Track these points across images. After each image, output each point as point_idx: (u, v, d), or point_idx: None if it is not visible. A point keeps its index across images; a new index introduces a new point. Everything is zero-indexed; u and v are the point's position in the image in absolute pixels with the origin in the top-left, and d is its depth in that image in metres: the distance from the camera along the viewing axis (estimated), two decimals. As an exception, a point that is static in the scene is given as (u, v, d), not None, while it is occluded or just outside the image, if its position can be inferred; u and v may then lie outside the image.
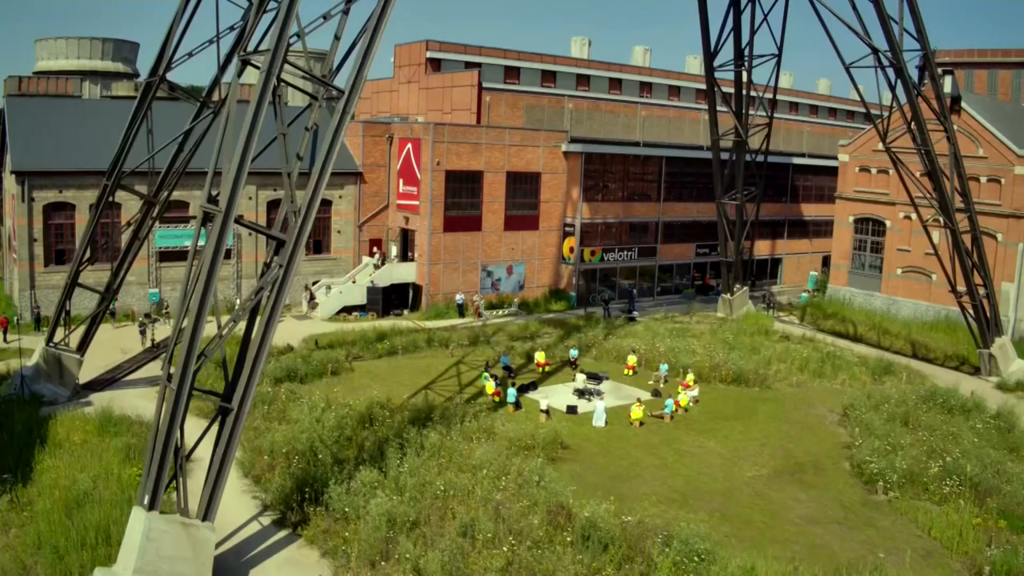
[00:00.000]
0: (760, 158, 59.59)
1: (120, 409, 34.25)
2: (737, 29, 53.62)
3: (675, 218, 70.07)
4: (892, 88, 45.03)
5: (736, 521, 28.43)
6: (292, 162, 23.93)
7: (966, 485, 30.89)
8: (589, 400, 40.57)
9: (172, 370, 22.31)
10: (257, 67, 25.14)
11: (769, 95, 57.10)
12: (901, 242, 61.32)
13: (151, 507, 20.84)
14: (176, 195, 41.67)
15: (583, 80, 78.82)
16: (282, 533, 25.61)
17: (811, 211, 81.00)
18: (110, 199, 36.05)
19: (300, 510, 26.05)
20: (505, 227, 62.17)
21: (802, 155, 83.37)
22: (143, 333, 45.32)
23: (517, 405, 38.76)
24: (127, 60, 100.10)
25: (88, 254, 36.65)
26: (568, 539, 24.68)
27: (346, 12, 26.66)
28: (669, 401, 39.19)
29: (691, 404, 40.46)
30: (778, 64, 55.13)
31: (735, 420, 39.23)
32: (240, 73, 36.38)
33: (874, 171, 62.93)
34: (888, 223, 62.10)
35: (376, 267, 60.02)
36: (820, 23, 44.60)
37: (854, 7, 43.52)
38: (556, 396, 40.54)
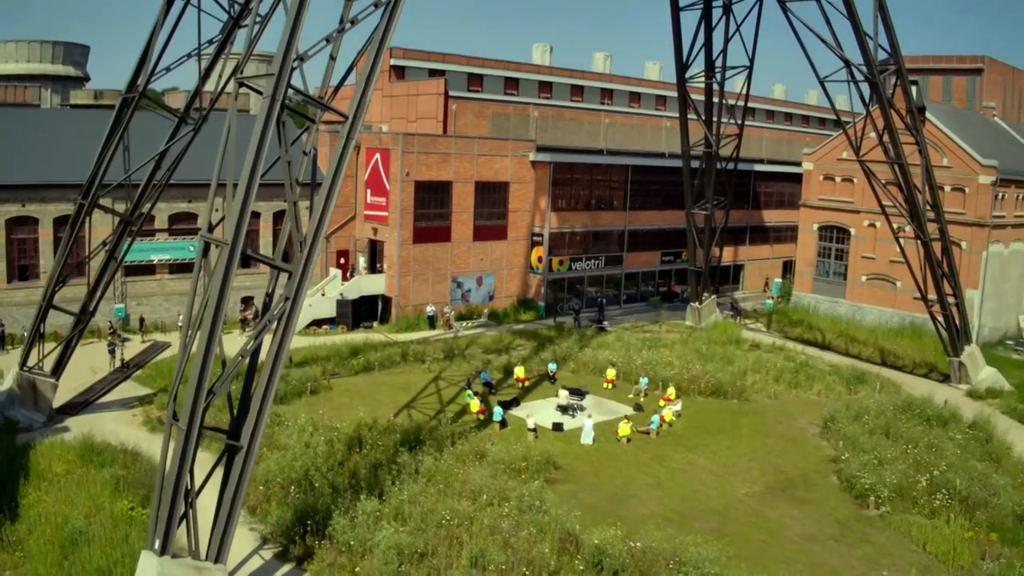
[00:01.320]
0: (728, 166, 60.02)
1: (100, 435, 33.19)
2: (708, 42, 53.92)
3: (640, 226, 70.36)
4: (864, 102, 45.68)
5: (737, 540, 28.48)
6: (295, 189, 23.34)
7: (955, 499, 31.38)
8: (573, 416, 40.43)
9: (176, 407, 21.66)
10: (255, 89, 24.60)
11: (738, 105, 57.50)
12: (865, 249, 62.29)
13: (162, 552, 20.12)
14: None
15: (545, 87, 78.72)
16: (286, 567, 24.98)
17: (772, 217, 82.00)
18: (87, 218, 34.93)
19: (303, 543, 25.45)
20: (474, 237, 61.80)
21: (761, 161, 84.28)
22: (112, 353, 44.06)
23: (503, 423, 38.46)
24: (78, 64, 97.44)
25: (58, 275, 35.40)
26: (579, 567, 24.53)
27: (341, 31, 26.15)
28: (655, 417, 39.21)
29: (675, 418, 40.53)
30: (749, 75, 55.58)
31: (720, 435, 39.38)
32: (228, 89, 35.66)
33: (838, 179, 63.86)
34: (852, 231, 63.04)
35: (352, 274, 59.36)
36: (795, 37, 45.07)
37: (827, 21, 44.08)
38: (540, 412, 40.27)
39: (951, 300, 47.77)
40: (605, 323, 61.01)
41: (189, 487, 20.76)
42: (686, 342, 55.52)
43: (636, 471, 34.42)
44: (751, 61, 54.61)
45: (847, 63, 44.37)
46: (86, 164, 48.49)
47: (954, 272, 47.57)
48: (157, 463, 30.65)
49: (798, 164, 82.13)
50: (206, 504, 24.35)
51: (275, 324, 22.27)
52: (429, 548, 24.90)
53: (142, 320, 51.93)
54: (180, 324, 51.98)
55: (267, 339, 22.80)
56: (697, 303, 62.33)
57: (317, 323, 56.92)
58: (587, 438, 37.03)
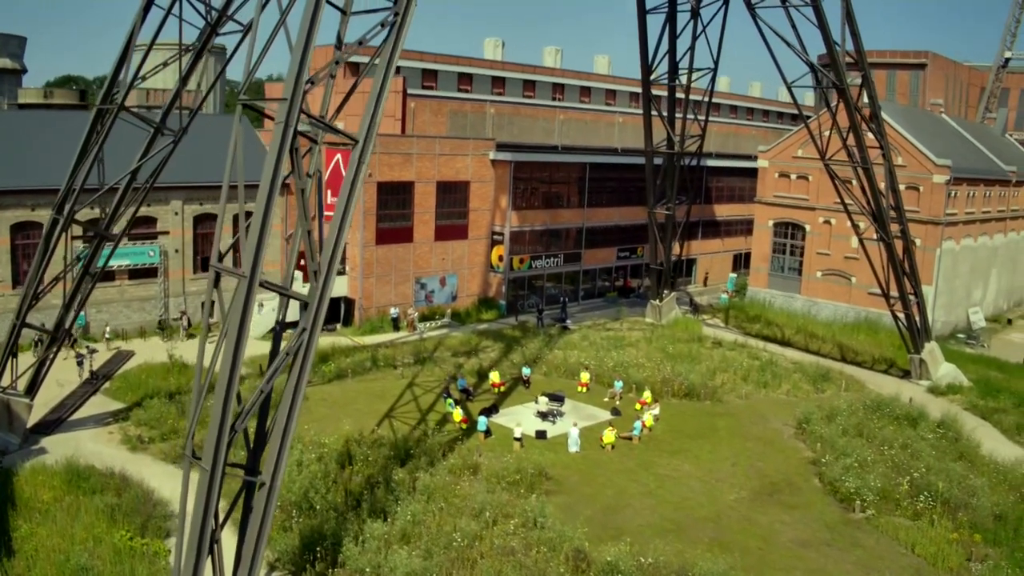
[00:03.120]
0: (691, 162, 60.68)
1: (81, 457, 32.15)
2: (672, 45, 54.33)
3: (598, 223, 70.74)
4: (828, 106, 46.55)
5: (735, 549, 28.92)
6: (308, 217, 22.92)
7: (937, 500, 32.34)
8: (553, 422, 40.60)
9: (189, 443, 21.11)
10: (261, 112, 24.15)
11: (703, 101, 58.13)
12: (821, 246, 63.63)
13: (191, 596, 19.61)
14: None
15: (498, 82, 78.54)
16: (302, 597, 24.66)
17: (722, 211, 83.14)
18: (63, 233, 33.75)
19: (313, 570, 25.12)
20: (436, 237, 61.48)
21: (710, 155, 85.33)
22: (81, 364, 42.77)
23: (488, 432, 38.42)
24: (14, 56, 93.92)
25: (36, 290, 34.13)
26: (594, 586, 24.74)
27: (349, 53, 25.79)
28: (637, 423, 39.56)
29: (654, 422, 40.93)
30: (713, 77, 56.18)
31: (699, 438, 39.91)
32: (189, 88, 34.79)
33: (793, 177, 64.99)
34: (808, 227, 64.30)
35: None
36: (763, 41, 45.62)
37: (793, 26, 44.75)
38: (520, 419, 40.26)
39: (912, 298, 49.05)
40: (568, 322, 61.27)
41: (214, 527, 20.26)
42: (650, 340, 56.09)
43: (626, 479, 34.72)
44: (715, 63, 55.23)
45: (813, 68, 45.16)
46: (43, 168, 47.26)
47: (915, 272, 48.87)
48: (148, 488, 30.19)
49: (746, 158, 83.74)
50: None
51: (294, 356, 21.83)
52: (444, 572, 24.83)
53: (70, 336, 49.56)
54: (107, 336, 49.73)
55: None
56: (657, 300, 62.94)
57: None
58: (574, 446, 37.20)
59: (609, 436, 37.83)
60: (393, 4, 24.93)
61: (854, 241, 60.06)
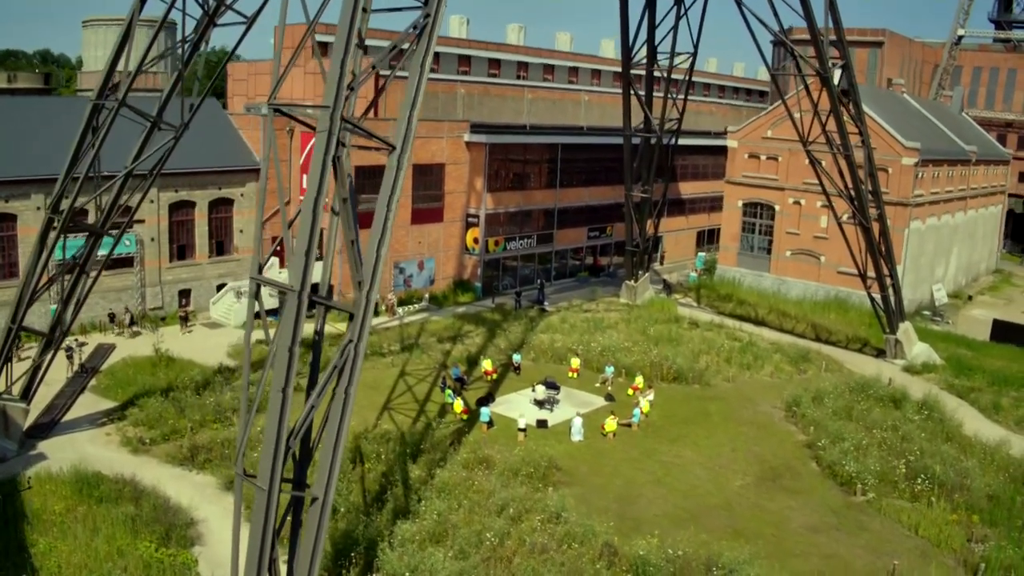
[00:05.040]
0: (671, 141, 61.25)
1: (82, 462, 31.20)
2: (652, 32, 54.54)
3: (570, 203, 70.89)
4: (807, 89, 47.28)
5: (750, 537, 29.69)
6: (353, 227, 22.77)
7: (934, 483, 33.46)
8: (551, 410, 40.91)
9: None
10: (294, 118, 23.91)
11: (684, 80, 58.64)
12: (790, 225, 64.72)
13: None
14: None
15: (464, 60, 77.88)
16: (342, 606, 24.66)
17: (687, 189, 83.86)
18: (62, 233, 32.85)
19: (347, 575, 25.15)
20: (412, 221, 61.13)
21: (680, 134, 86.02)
22: (70, 358, 41.75)
23: (490, 423, 38.59)
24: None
25: (30, 295, 33.16)
26: (633, 581, 25.22)
27: (387, 56, 25.48)
28: (636, 410, 40.05)
29: (649, 408, 41.46)
30: (692, 62, 56.49)
31: (694, 424, 40.58)
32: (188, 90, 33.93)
33: (763, 157, 65.84)
34: (777, 207, 65.30)
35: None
36: (748, 30, 46.06)
37: (775, 15, 45.31)
38: (516, 407, 40.50)
39: (887, 280, 50.25)
40: (546, 304, 61.53)
41: (272, 547, 20.10)
42: (628, 322, 56.59)
43: (632, 468, 35.22)
44: (695, 48, 55.55)
45: (795, 56, 45.77)
46: (13, 158, 45.73)
47: (891, 254, 50.09)
48: (164, 494, 29.72)
49: (706, 134, 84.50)
50: (225, 537, 23.82)
51: (339, 370, 21.70)
52: (482, 572, 25.05)
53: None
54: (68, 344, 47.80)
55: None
56: (632, 281, 63.50)
57: (258, 314, 55.19)
58: (577, 435, 37.58)
59: (611, 424, 38.27)
60: (424, 5, 24.75)
61: (823, 221, 61.39)
